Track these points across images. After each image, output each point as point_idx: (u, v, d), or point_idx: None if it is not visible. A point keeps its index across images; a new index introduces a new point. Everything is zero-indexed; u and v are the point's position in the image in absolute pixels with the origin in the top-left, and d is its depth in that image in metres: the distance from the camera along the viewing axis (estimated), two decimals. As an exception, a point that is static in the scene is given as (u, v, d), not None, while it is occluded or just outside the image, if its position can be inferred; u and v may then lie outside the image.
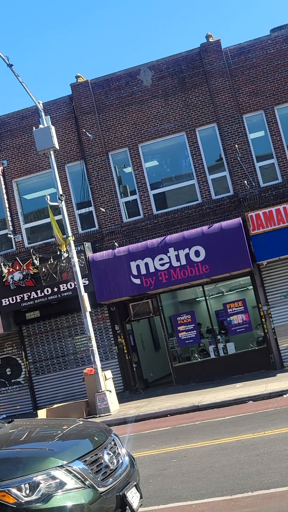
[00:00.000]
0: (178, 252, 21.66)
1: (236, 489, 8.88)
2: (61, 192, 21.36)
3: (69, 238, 21.04)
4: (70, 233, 21.18)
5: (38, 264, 22.78)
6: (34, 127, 21.92)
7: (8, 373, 24.75)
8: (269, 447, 11.00)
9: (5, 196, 24.60)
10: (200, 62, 23.37)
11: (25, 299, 22.97)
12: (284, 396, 16.94)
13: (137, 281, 21.97)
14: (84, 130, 23.98)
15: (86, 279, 22.18)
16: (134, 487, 7.00)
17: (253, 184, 22.43)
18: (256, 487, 8.77)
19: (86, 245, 22.89)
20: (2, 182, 24.68)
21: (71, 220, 23.26)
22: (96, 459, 6.69)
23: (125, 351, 23.52)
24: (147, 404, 20.05)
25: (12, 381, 24.70)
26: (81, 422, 7.84)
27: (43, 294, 22.79)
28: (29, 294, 22.92)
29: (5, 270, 23.09)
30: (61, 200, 21.09)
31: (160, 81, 23.65)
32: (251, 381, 20.28)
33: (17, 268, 22.99)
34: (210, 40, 23.41)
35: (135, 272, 21.96)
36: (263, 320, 22.20)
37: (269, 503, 7.95)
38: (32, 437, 7.33)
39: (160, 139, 23.63)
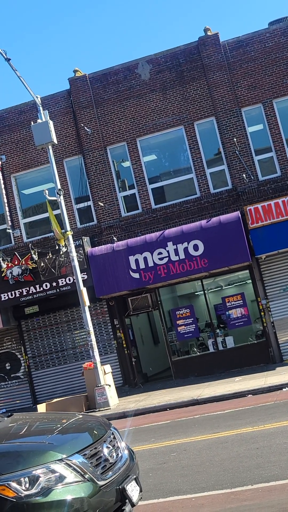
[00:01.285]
0: (176, 246, 21.65)
1: (235, 482, 8.89)
2: (59, 187, 21.34)
3: (67, 232, 21.01)
4: (68, 228, 21.16)
5: (36, 258, 22.75)
6: (32, 122, 21.87)
7: (8, 368, 24.77)
8: (268, 441, 11.02)
9: (3, 191, 24.58)
10: (198, 56, 23.31)
11: (24, 294, 22.96)
12: (284, 389, 16.95)
13: (136, 275, 21.96)
14: (82, 124, 23.93)
15: (85, 273, 22.16)
16: (133, 481, 7.00)
17: (252, 177, 22.41)
18: (256, 480, 8.78)
19: (85, 240, 22.87)
20: (1, 177, 24.66)
21: (69, 215, 23.25)
22: (96, 453, 6.68)
23: (124, 345, 23.53)
24: (147, 398, 20.07)
25: (12, 375, 24.72)
26: (81, 416, 7.84)
27: (42, 288, 22.78)
28: (28, 289, 22.90)
29: (4, 265, 23.08)
30: (60, 195, 21.07)
31: (158, 75, 23.60)
32: (250, 374, 20.30)
33: (16, 263, 22.97)
34: (208, 33, 23.35)
35: (134, 266, 21.95)
36: (262, 314, 22.21)
37: (269, 496, 7.96)
38: (32, 431, 7.33)
39: (158, 133, 23.60)
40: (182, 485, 9.36)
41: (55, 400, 21.77)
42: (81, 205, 24.14)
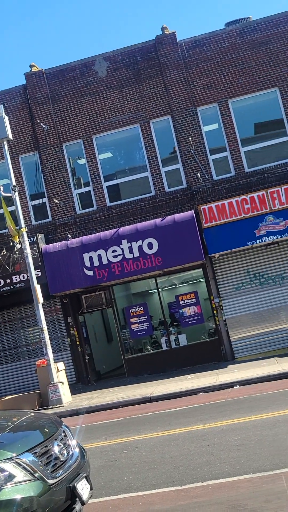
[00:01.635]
0: (131, 244, 21.69)
1: (186, 479, 8.98)
2: (14, 183, 21.16)
3: (22, 229, 20.86)
4: (23, 224, 21.01)
5: (-10, 255, 22.53)
6: (-14, 117, 21.64)
7: None
8: (219, 438, 11.15)
9: None
10: (155, 54, 23.37)
11: (-24, 290, 22.72)
12: (235, 387, 17.15)
13: (90, 273, 21.94)
14: (38, 120, 23.77)
15: (39, 270, 22.05)
16: (84, 479, 7.02)
17: (206, 177, 22.58)
18: (206, 477, 8.88)
19: (39, 237, 22.74)
20: None
21: (24, 211, 23.07)
22: (46, 451, 6.68)
23: (78, 343, 23.49)
24: (99, 396, 20.08)
25: None
26: (32, 414, 7.82)
27: (-5, 285, 22.58)
28: (-19, 285, 22.67)
29: None
30: (15, 191, 20.89)
31: (115, 73, 23.59)
32: (202, 372, 20.47)
33: None
34: (166, 32, 23.43)
35: (88, 264, 21.92)
36: (215, 312, 22.41)
37: (219, 493, 8.06)
38: (-18, 430, 7.27)
39: (114, 131, 23.59)
40: (133, 482, 9.41)
41: (7, 397, 21.59)
42: (36, 201, 24.00)
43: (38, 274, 21.71)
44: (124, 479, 9.69)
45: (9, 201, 22.05)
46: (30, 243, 21.63)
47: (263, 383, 17.07)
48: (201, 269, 22.93)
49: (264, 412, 12.71)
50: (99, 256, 21.84)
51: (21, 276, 22.30)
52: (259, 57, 22.81)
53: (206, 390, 17.50)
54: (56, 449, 6.82)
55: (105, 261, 21.80)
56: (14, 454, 6.28)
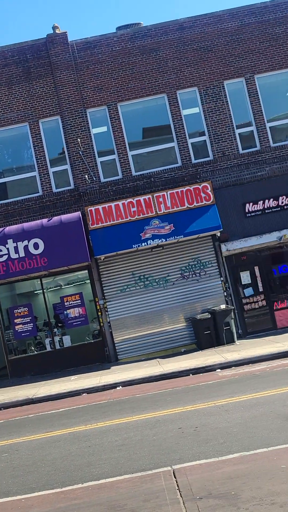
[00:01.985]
0: (16, 244, 21.43)
1: (66, 481, 8.99)
2: None
3: None
4: None
5: None
6: None
7: None
8: (100, 439, 11.23)
9: None
10: (46, 53, 23.21)
11: None
12: (118, 388, 17.31)
13: (-26, 272, 21.46)
14: None
15: None
16: None
17: (94, 179, 22.66)
18: (87, 478, 8.93)
19: None
20: None
21: None
22: None
23: None
24: (-20, 398, 19.70)
25: None
26: None
27: None
28: None
29: None
30: None
31: (4, 69, 23.23)
32: (86, 373, 20.53)
33: None
34: (57, 31, 23.32)
35: (-29, 262, 21.45)
36: (99, 313, 22.52)
37: (99, 494, 8.12)
38: None
39: (2, 129, 23.21)
40: (12, 486, 9.31)
41: None
42: None
43: None
44: (3, 483, 9.57)
45: None
46: None
47: (145, 383, 17.35)
48: (86, 271, 22.98)
49: (146, 412, 12.92)
50: (-17, 255, 21.44)
51: None
52: (148, 63, 23.15)
53: (90, 391, 17.57)
54: None
55: (-11, 261, 21.42)
56: None
